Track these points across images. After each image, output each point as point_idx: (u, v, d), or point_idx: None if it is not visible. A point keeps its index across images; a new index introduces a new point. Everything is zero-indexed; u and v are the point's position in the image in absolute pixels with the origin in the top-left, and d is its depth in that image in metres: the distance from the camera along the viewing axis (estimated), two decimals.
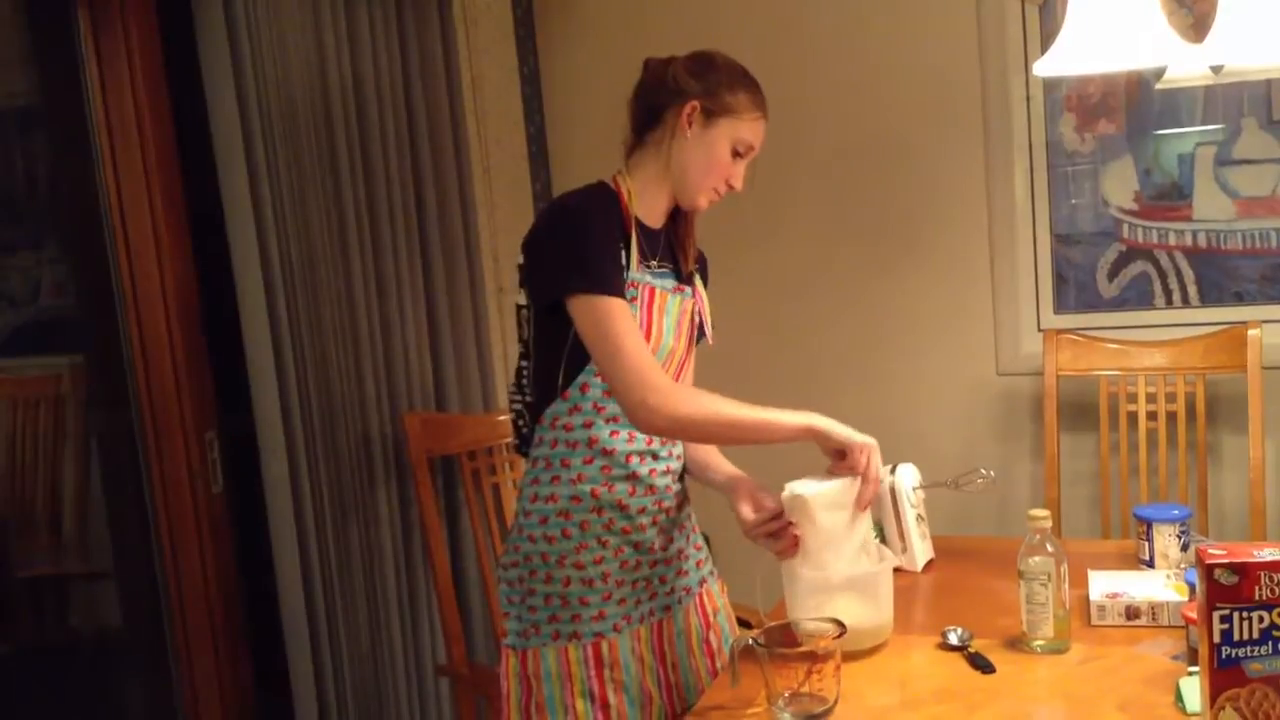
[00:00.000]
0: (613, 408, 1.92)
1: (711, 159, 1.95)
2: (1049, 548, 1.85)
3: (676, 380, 2.00)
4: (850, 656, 1.81)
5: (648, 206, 2.00)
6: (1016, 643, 1.88)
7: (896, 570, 2.10)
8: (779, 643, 1.73)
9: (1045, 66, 1.96)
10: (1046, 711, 1.69)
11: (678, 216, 2.06)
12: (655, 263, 1.99)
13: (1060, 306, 3.17)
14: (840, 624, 1.74)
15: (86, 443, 2.67)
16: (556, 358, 1.92)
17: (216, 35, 2.47)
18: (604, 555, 1.95)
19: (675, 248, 2.06)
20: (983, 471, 2.27)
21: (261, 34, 2.50)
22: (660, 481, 1.98)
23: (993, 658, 1.84)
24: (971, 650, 1.87)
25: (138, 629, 2.68)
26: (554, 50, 3.56)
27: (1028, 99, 3.12)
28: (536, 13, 3.55)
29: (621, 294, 1.85)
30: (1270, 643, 1.43)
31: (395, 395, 2.84)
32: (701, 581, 2.12)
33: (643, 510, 1.96)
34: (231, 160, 2.51)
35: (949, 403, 3.30)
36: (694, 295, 2.06)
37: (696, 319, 2.07)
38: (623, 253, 1.92)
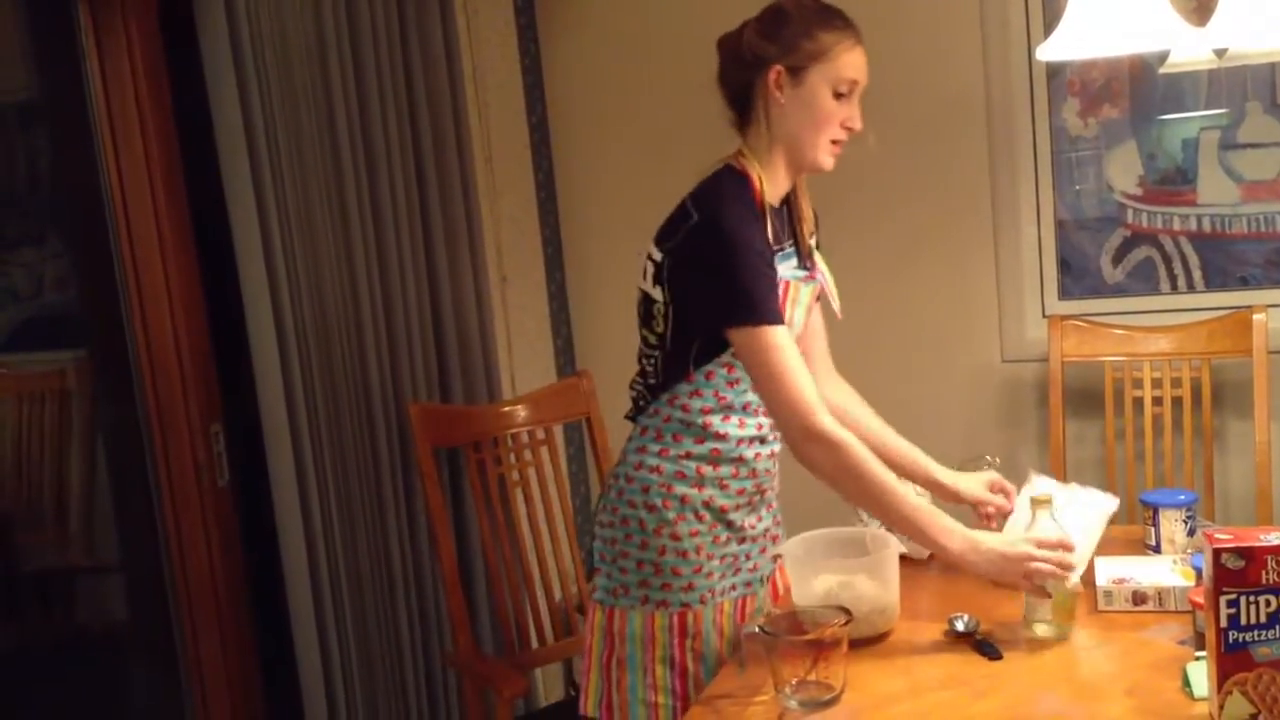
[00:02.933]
0: (732, 397, 1.94)
1: (817, 114, 1.91)
2: (1051, 528, 1.85)
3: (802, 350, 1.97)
4: (857, 644, 1.81)
5: (772, 185, 1.98)
6: (1019, 628, 1.88)
7: (902, 558, 2.09)
8: (786, 631, 1.73)
9: (1049, 51, 1.95)
10: (1053, 697, 1.69)
11: (793, 190, 2.04)
12: (785, 245, 2.00)
13: (1065, 293, 3.17)
14: (847, 612, 1.74)
15: (92, 437, 2.68)
16: (688, 346, 1.94)
17: (218, 28, 2.47)
18: (700, 529, 1.97)
19: (794, 221, 2.04)
20: (988, 458, 2.27)
21: (262, 26, 2.50)
22: (763, 465, 2.01)
23: (999, 644, 1.83)
24: (978, 637, 1.87)
25: (145, 622, 2.69)
26: (555, 39, 3.56)
27: (1031, 83, 3.11)
28: (538, 2, 3.54)
29: (779, 319, 1.85)
30: (1277, 627, 1.44)
31: (399, 386, 2.84)
32: (777, 557, 2.13)
33: (741, 491, 1.99)
34: (234, 152, 2.51)
35: (954, 390, 3.30)
36: (819, 276, 2.06)
37: (828, 299, 2.08)
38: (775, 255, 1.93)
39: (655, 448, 1.98)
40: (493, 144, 3.32)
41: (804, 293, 2.01)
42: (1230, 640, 1.45)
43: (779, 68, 1.90)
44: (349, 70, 2.71)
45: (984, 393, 3.27)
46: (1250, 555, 1.42)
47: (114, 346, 2.51)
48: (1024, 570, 1.82)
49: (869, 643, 1.89)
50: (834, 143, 1.95)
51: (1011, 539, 1.90)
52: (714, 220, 1.88)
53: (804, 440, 1.84)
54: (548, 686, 3.30)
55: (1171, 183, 3.04)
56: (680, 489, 1.96)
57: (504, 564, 2.87)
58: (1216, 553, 1.43)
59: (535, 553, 2.95)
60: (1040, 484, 2.08)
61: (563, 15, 3.55)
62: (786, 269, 1.97)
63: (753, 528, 2.04)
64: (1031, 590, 1.84)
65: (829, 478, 1.87)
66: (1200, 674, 1.58)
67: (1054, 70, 3.09)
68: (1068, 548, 1.84)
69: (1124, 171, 3.08)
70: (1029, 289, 3.19)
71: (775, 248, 1.95)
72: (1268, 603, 1.43)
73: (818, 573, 1.93)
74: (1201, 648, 1.63)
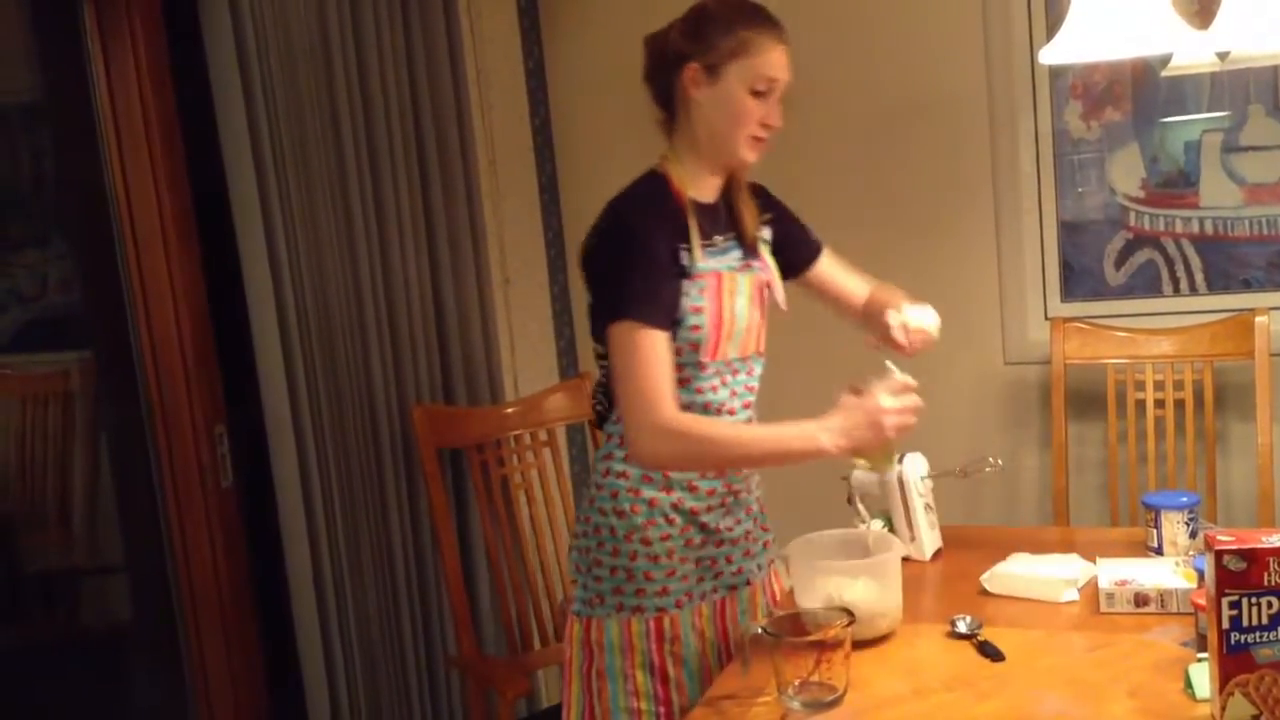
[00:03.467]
0: (685, 398, 1.94)
1: (733, 111, 1.90)
2: (896, 375, 1.87)
3: (757, 348, 2.04)
4: (859, 645, 1.82)
5: (699, 182, 1.99)
6: (1019, 625, 1.88)
7: (905, 559, 2.10)
8: (788, 631, 1.74)
9: (1051, 54, 1.95)
10: (1055, 699, 1.69)
11: (730, 182, 2.05)
12: (720, 239, 2.00)
13: (1067, 295, 3.17)
14: (849, 613, 1.74)
15: (96, 438, 2.68)
16: None
17: (222, 30, 2.48)
18: (670, 533, 1.97)
19: (734, 215, 2.05)
20: (991, 460, 2.28)
21: (267, 27, 2.51)
22: None
23: (1002, 646, 1.84)
24: (980, 639, 1.87)
25: (149, 623, 2.69)
26: (559, 42, 3.56)
27: (1033, 86, 3.11)
28: (541, 4, 3.54)
29: (654, 321, 1.85)
30: (1279, 628, 1.44)
31: (403, 388, 2.84)
32: (770, 562, 2.13)
33: (711, 492, 1.99)
34: (238, 153, 2.52)
35: (957, 392, 3.30)
36: (762, 266, 2.05)
37: (774, 290, 2.08)
38: (683, 252, 1.92)
39: (620, 453, 1.98)
40: (496, 146, 3.33)
41: (741, 283, 1.99)
42: (1232, 642, 1.45)
43: (695, 65, 1.90)
44: (353, 72, 2.71)
45: (986, 395, 3.27)
46: (1252, 557, 1.43)
47: (118, 347, 2.52)
48: (878, 421, 1.82)
49: (871, 644, 1.89)
50: (756, 139, 1.93)
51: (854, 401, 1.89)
52: (607, 225, 1.93)
53: (652, 436, 1.84)
54: (550, 687, 3.30)
55: (1174, 185, 3.05)
56: (648, 493, 1.97)
57: (507, 565, 2.88)
58: (1218, 555, 1.44)
59: (538, 554, 2.96)
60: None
61: (566, 18, 3.55)
62: (720, 262, 1.97)
63: (729, 530, 2.04)
64: (891, 435, 1.85)
65: (685, 464, 1.92)
66: (1202, 675, 1.58)
67: (1056, 73, 3.09)
68: (911, 388, 1.86)
69: (1126, 174, 3.08)
70: (1031, 291, 3.19)
71: (704, 243, 1.95)
72: (1269, 604, 1.43)
73: (820, 574, 1.93)
74: (1203, 649, 1.64)
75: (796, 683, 1.70)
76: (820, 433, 1.84)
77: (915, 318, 2.04)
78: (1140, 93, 3.04)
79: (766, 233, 2.10)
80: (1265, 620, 1.44)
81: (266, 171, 2.52)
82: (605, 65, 3.50)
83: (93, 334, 2.65)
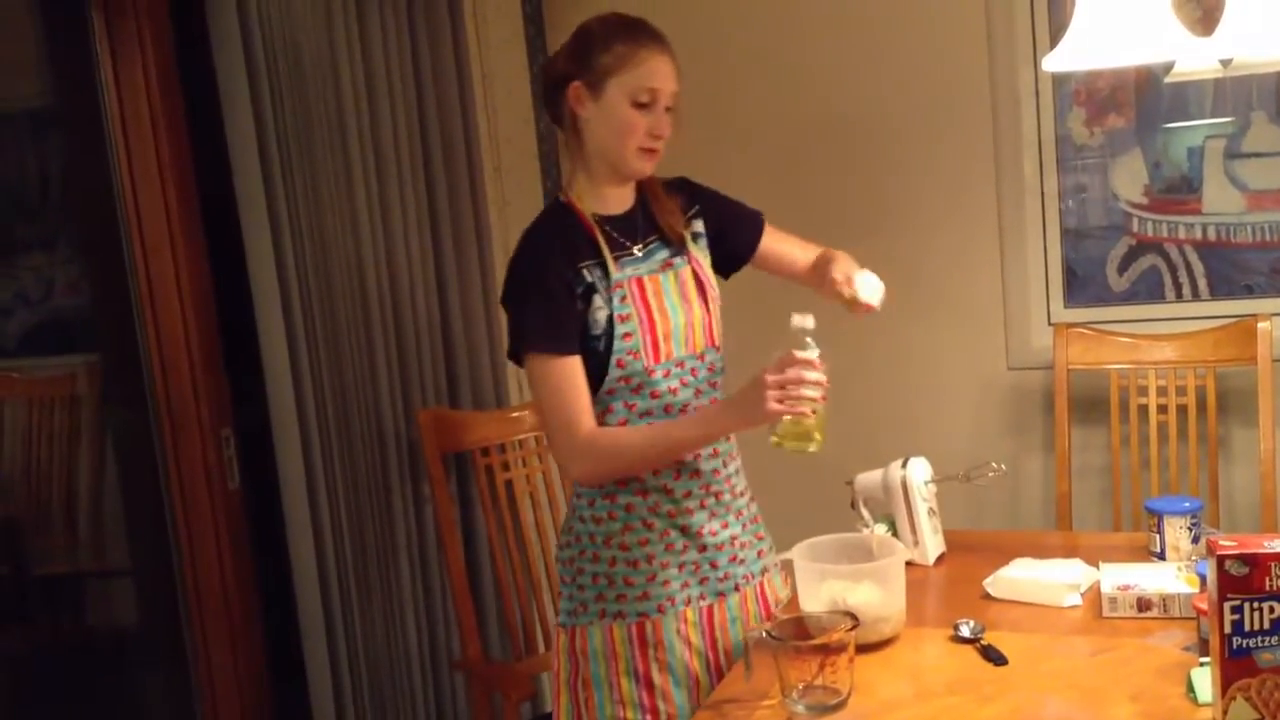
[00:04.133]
0: (643, 404, 1.96)
1: (617, 125, 1.92)
2: (811, 348, 1.78)
3: (711, 342, 2.03)
4: (863, 649, 1.82)
5: (603, 197, 2.01)
6: (1015, 627, 1.89)
7: (908, 564, 2.11)
8: (792, 635, 1.74)
9: (1055, 62, 1.96)
10: (1058, 702, 1.70)
11: (644, 189, 2.06)
12: (639, 246, 2.01)
13: (1070, 300, 3.18)
14: (853, 617, 1.75)
15: (102, 441, 2.69)
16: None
17: (230, 35, 2.49)
18: (649, 537, 1.98)
19: (652, 218, 2.05)
20: (994, 465, 2.28)
21: (274, 34, 2.52)
22: (707, 465, 2.00)
23: (1004, 650, 1.84)
24: (984, 642, 1.88)
25: (155, 626, 2.70)
26: None
27: (1037, 93, 3.12)
28: (546, 10, 3.55)
29: (557, 349, 1.90)
30: None
31: (409, 392, 2.85)
32: (764, 570, 2.12)
33: (689, 494, 1.99)
34: (245, 158, 2.53)
35: (960, 397, 3.31)
36: (689, 261, 2.05)
37: (705, 283, 2.06)
38: (592, 269, 1.94)
39: None
40: (501, 151, 3.34)
41: (665, 283, 2.00)
42: (1234, 646, 1.45)
43: (578, 84, 1.93)
44: (359, 76, 2.73)
45: (989, 400, 3.28)
46: (1254, 562, 1.43)
47: (125, 350, 2.53)
48: (765, 396, 1.77)
49: (875, 648, 1.89)
50: (646, 150, 1.94)
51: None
52: (512, 258, 1.99)
53: (573, 459, 1.93)
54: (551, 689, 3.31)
55: (1177, 191, 3.05)
56: (624, 499, 1.98)
57: (511, 568, 2.89)
58: (1221, 559, 1.44)
59: (542, 557, 2.97)
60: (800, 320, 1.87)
61: (571, 23, 3.51)
62: (640, 268, 1.99)
63: (714, 534, 2.02)
64: (790, 415, 1.78)
65: (612, 475, 1.95)
66: (1204, 680, 1.59)
67: (1060, 79, 3.10)
68: (809, 364, 1.77)
69: (1129, 180, 3.09)
70: (1035, 297, 3.20)
71: (619, 254, 1.97)
72: (1271, 609, 1.44)
73: (824, 578, 1.94)
74: (1205, 654, 1.64)
75: (800, 686, 1.71)
76: (723, 414, 1.89)
77: (863, 289, 1.96)
78: (1143, 99, 3.05)
79: (698, 225, 2.10)
80: (1267, 625, 1.44)
81: (273, 175, 2.53)
82: None
83: (100, 337, 2.66)
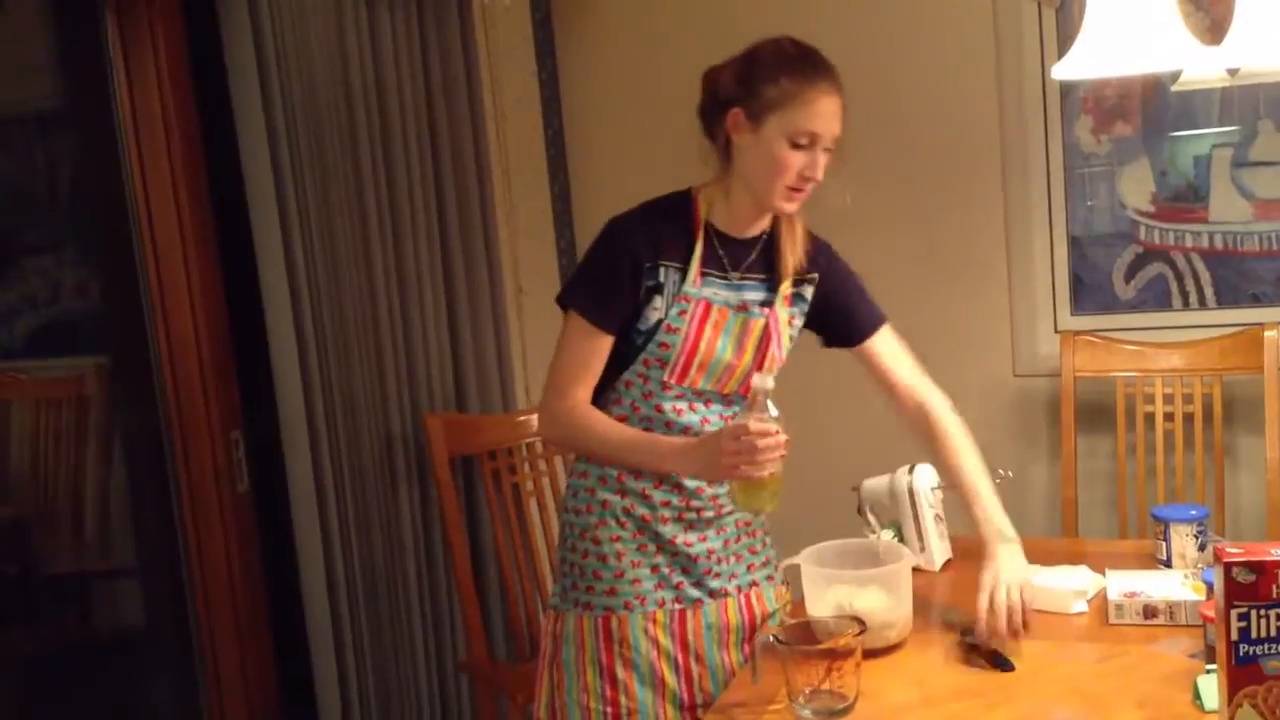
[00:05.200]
0: (645, 411, 1.97)
1: (770, 162, 1.87)
2: (769, 412, 1.77)
3: (743, 391, 1.99)
4: (870, 654, 1.83)
5: (732, 216, 1.98)
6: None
7: (915, 569, 2.11)
8: (799, 640, 1.75)
9: (1063, 70, 1.97)
10: (1065, 709, 1.71)
11: (779, 222, 2.02)
12: (737, 274, 1.99)
13: (1077, 308, 3.18)
14: (860, 622, 1.76)
15: (111, 443, 2.70)
16: (612, 352, 1.98)
17: (242, 40, 2.50)
18: (621, 535, 1.99)
19: (773, 257, 2.02)
20: (1000, 472, 2.28)
21: (286, 39, 2.53)
22: (690, 484, 1.98)
23: (1011, 656, 1.85)
24: (990, 648, 1.88)
25: (163, 628, 2.70)
26: (572, 53, 3.58)
27: (1044, 101, 3.13)
28: (555, 16, 3.57)
29: (594, 320, 1.93)
30: None
31: (416, 395, 2.86)
32: (753, 584, 2.09)
33: (666, 504, 1.99)
34: (256, 162, 2.54)
35: (966, 404, 3.28)
36: (769, 315, 2.00)
37: (770, 342, 2.01)
38: (670, 269, 1.93)
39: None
40: (510, 157, 3.35)
41: (731, 321, 1.96)
42: (1241, 653, 1.46)
43: (739, 110, 1.88)
44: (370, 81, 2.74)
45: (996, 407, 3.28)
46: (1261, 569, 1.44)
47: (135, 353, 2.54)
48: (715, 461, 1.79)
49: (881, 653, 1.90)
50: (793, 190, 1.90)
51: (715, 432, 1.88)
52: (609, 222, 1.98)
53: (548, 419, 2.02)
54: None
55: (1183, 200, 3.06)
56: (602, 494, 2.01)
57: (518, 571, 2.90)
58: (1227, 567, 1.44)
59: (549, 560, 2.97)
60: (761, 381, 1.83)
61: (580, 30, 3.58)
62: (717, 294, 1.96)
63: (688, 545, 2.00)
64: (740, 478, 1.79)
65: (565, 447, 2.11)
66: (1211, 687, 1.59)
67: (1067, 88, 3.11)
68: (766, 432, 1.75)
69: (1136, 188, 3.09)
70: (1041, 304, 3.20)
71: (708, 271, 1.96)
72: (1278, 616, 1.44)
73: (830, 583, 1.94)
74: (1212, 661, 1.65)
75: (807, 691, 1.71)
76: (676, 455, 1.91)
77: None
78: (1150, 107, 3.05)
79: (808, 291, 2.07)
80: (1273, 632, 1.44)
81: (284, 179, 2.54)
82: (618, 77, 3.52)
83: (110, 339, 2.67)
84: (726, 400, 2.02)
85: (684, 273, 1.94)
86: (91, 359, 2.68)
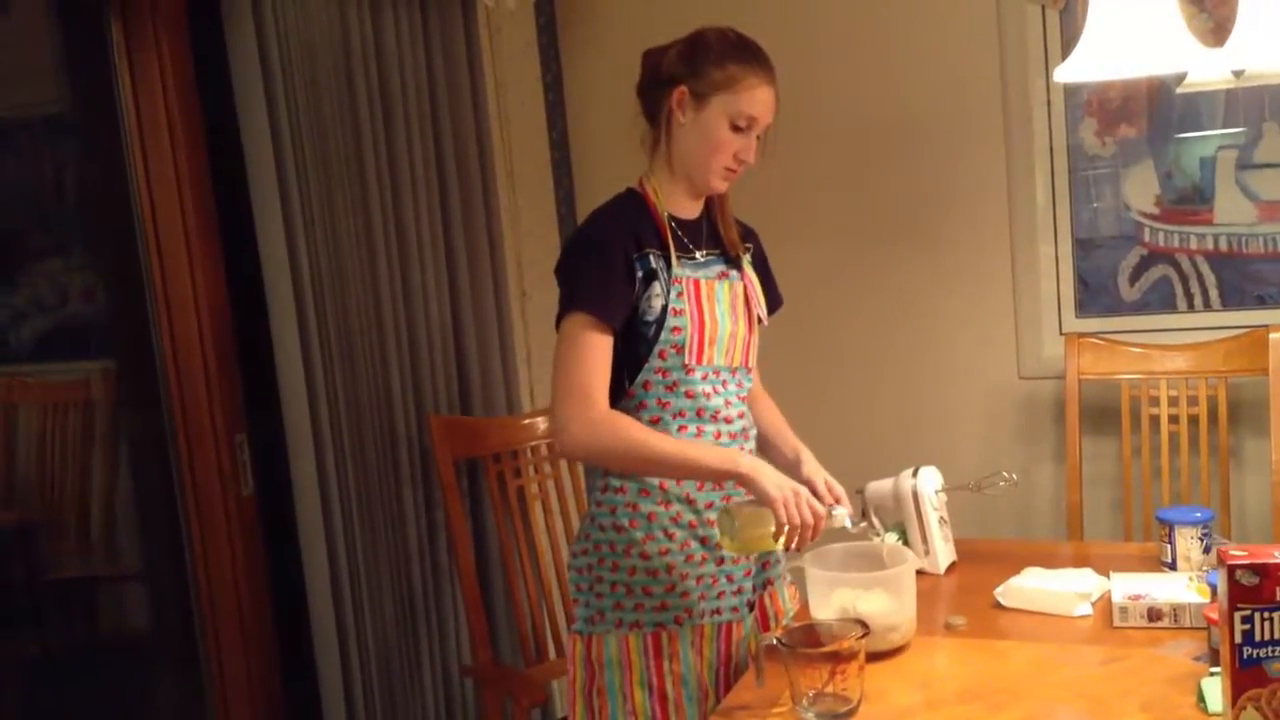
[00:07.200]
0: (677, 403, 1.97)
1: (710, 140, 1.95)
2: (870, 521, 1.92)
3: (745, 361, 2.06)
4: (874, 657, 1.83)
5: (676, 200, 2.04)
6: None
7: (919, 572, 2.11)
8: (803, 643, 1.75)
9: (1066, 73, 1.97)
10: (1069, 712, 1.70)
11: (712, 201, 2.09)
12: (702, 253, 2.04)
13: (1082, 310, 3.18)
14: (864, 624, 1.76)
15: (117, 446, 2.70)
16: (617, 358, 1.96)
17: (246, 44, 2.50)
18: (670, 547, 1.98)
19: (716, 231, 2.09)
20: (1005, 474, 2.28)
21: (290, 43, 2.53)
22: (728, 486, 1.99)
23: (1015, 660, 1.85)
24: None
25: (169, 631, 2.71)
26: (576, 57, 3.59)
27: (1048, 103, 3.13)
28: (559, 20, 3.57)
29: (602, 316, 1.90)
30: None
31: (421, 398, 2.87)
32: (767, 582, 2.12)
33: (710, 505, 1.99)
34: (261, 166, 2.54)
35: (971, 406, 3.31)
36: (743, 278, 2.08)
37: (752, 301, 2.09)
38: (655, 257, 1.95)
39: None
40: (514, 160, 3.35)
41: (719, 290, 2.02)
42: (1245, 656, 1.46)
43: (684, 89, 1.95)
44: (374, 84, 2.74)
45: (1001, 409, 3.28)
46: (1265, 572, 1.44)
47: (140, 356, 2.55)
48: (785, 498, 1.82)
49: (885, 656, 1.90)
50: (728, 170, 1.98)
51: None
52: (572, 236, 2.01)
53: (582, 427, 1.88)
54: (564, 697, 3.31)
55: (1188, 202, 3.06)
56: (646, 507, 1.98)
57: (523, 574, 2.90)
58: (1231, 569, 1.44)
59: (554, 564, 2.97)
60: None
61: (584, 33, 3.58)
62: (698, 272, 2.01)
63: None
64: (780, 520, 1.84)
65: (599, 455, 1.92)
66: (1215, 690, 1.59)
67: (1072, 90, 3.10)
68: (819, 516, 1.85)
69: (1141, 190, 3.09)
70: (1046, 306, 3.20)
71: (683, 255, 1.99)
72: None
73: (835, 586, 1.95)
74: (1216, 664, 1.64)
75: (811, 693, 1.71)
76: (745, 457, 1.90)
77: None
78: (1155, 109, 3.05)
79: (749, 256, 2.15)
80: (1277, 635, 1.44)
81: (289, 182, 2.54)
82: (622, 80, 3.48)
83: (115, 343, 2.68)
84: (735, 376, 2.04)
85: (667, 258, 1.97)
86: (97, 363, 2.69)
